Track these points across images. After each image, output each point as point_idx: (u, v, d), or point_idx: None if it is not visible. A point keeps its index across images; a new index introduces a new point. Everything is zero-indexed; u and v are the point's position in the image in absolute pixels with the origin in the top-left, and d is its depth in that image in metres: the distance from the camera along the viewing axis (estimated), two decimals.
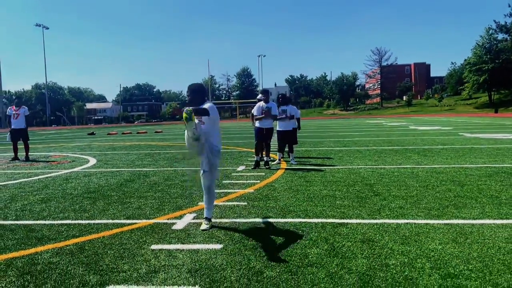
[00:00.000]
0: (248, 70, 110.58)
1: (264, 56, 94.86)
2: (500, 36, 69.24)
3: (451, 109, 73.26)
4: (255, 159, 9.04)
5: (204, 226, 4.39)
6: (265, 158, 9.03)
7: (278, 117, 9.48)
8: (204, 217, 4.53)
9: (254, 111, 9.20)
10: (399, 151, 11.53)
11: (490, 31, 68.97)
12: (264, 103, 9.05)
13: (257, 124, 9.09)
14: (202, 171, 4.50)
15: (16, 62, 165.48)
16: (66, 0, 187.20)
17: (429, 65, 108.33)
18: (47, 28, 77.81)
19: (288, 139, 10.07)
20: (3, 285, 3.02)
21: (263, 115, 8.92)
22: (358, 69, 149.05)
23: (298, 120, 11.16)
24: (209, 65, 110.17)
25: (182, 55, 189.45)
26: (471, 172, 7.52)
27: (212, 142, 4.47)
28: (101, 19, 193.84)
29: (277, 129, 9.76)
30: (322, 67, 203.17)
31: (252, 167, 8.85)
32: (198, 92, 4.61)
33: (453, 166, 8.44)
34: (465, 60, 75.77)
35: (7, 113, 12.08)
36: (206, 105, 4.42)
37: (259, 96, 9.63)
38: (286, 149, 11.07)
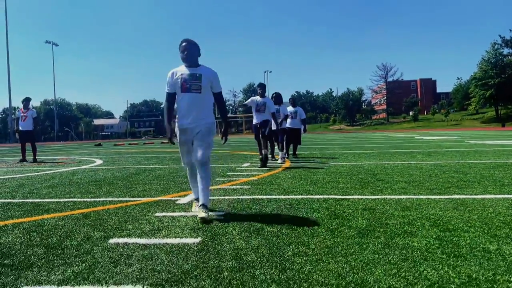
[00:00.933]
0: (254, 86, 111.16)
1: (270, 72, 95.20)
2: (506, 51, 69.38)
3: (457, 124, 73.01)
4: (259, 157, 8.97)
5: (202, 213, 3.50)
6: (263, 151, 8.54)
7: (279, 119, 9.57)
8: (200, 204, 3.66)
9: (248, 101, 9.03)
10: (404, 153, 11.54)
11: (496, 46, 69.10)
12: (259, 98, 8.80)
13: (253, 121, 8.91)
14: (194, 152, 3.77)
15: (26, 79, 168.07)
16: (75, 18, 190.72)
17: (435, 81, 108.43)
18: (57, 45, 78.32)
19: (294, 137, 10.28)
20: (10, 239, 3.08)
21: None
22: (364, 85, 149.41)
23: (304, 121, 11.28)
24: None
25: None
26: (475, 165, 7.53)
27: (205, 117, 3.82)
28: (109, 36, 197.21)
29: (286, 126, 9.89)
30: (328, 83, 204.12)
31: (259, 165, 8.35)
32: (197, 47, 3.84)
33: (458, 161, 8.44)
34: (471, 75, 75.82)
35: (16, 115, 12.28)
36: (207, 72, 3.82)
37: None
38: (291, 151, 11.17)
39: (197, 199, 3.91)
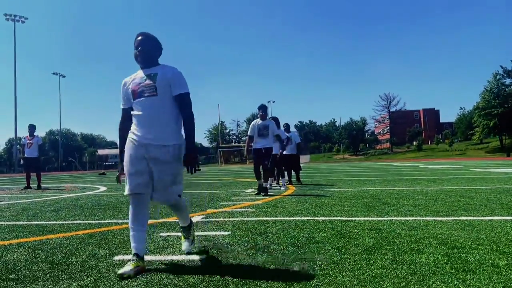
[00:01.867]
0: (258, 116, 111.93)
1: (274, 102, 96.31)
2: (508, 81, 69.79)
3: (462, 154, 72.74)
4: (258, 183, 8.83)
5: (185, 244, 3.07)
6: (263, 184, 7.84)
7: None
8: (181, 226, 3.15)
9: (249, 131, 8.27)
10: (409, 180, 11.49)
11: (498, 76, 69.65)
12: (260, 120, 8.12)
13: (253, 145, 8.13)
14: (157, 191, 2.79)
15: (31, 109, 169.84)
16: (81, 49, 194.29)
17: (438, 111, 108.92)
18: (64, 76, 78.36)
19: (293, 163, 10.22)
20: (15, 257, 3.07)
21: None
22: (367, 115, 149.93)
23: (298, 145, 11.12)
24: (219, 110, 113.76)
25: (193, 101, 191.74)
26: (481, 191, 7.48)
27: (167, 133, 2.75)
28: (112, 67, 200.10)
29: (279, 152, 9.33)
30: (331, 113, 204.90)
31: (256, 192, 7.75)
32: (154, 42, 2.90)
33: (463, 187, 8.38)
34: (474, 105, 76.21)
35: (21, 142, 12.38)
36: (166, 70, 2.82)
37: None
38: (293, 178, 11.14)
39: (135, 255, 2.63)
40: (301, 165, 11.51)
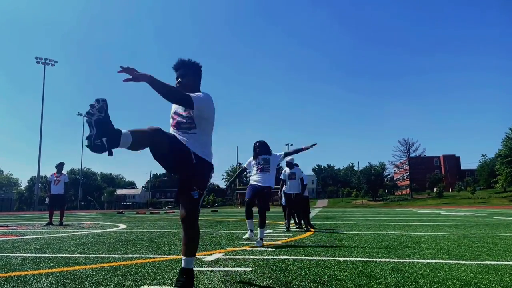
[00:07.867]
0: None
1: (292, 145, 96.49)
2: None
3: (485, 202, 70.78)
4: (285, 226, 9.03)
5: None
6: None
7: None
8: None
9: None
10: (430, 225, 11.29)
11: None
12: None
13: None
14: None
15: (53, 148, 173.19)
16: (103, 91, 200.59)
17: (458, 158, 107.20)
18: None
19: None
20: (45, 285, 3.18)
21: None
22: (386, 160, 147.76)
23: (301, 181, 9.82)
24: (237, 152, 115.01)
25: (213, 143, 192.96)
26: (506, 237, 7.32)
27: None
28: (134, 111, 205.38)
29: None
30: (349, 157, 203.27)
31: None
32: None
33: (487, 234, 8.21)
34: (496, 152, 75.01)
35: (48, 179, 12.72)
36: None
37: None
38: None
39: None
40: (318, 209, 11.09)
